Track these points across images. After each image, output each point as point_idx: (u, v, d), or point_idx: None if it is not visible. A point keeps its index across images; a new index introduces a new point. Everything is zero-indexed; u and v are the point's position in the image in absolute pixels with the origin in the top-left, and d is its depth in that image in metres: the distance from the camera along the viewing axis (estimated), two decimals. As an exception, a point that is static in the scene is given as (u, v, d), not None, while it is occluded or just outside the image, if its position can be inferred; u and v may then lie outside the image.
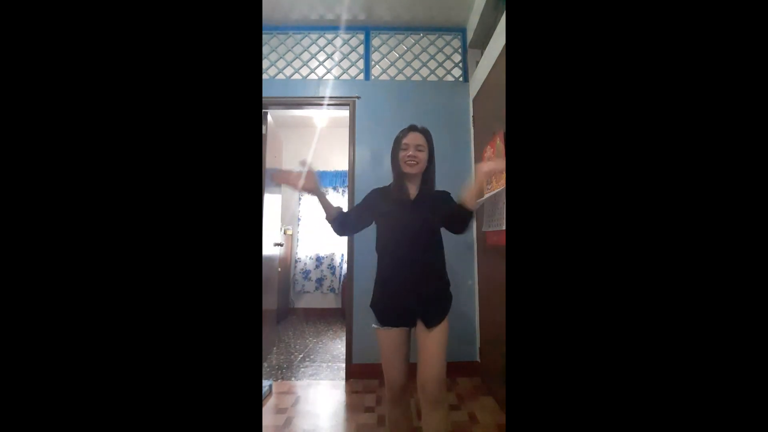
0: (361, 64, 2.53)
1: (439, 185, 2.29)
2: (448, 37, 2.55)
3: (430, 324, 1.12)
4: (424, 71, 2.54)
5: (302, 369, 2.43)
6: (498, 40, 1.81)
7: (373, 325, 1.19)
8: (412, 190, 1.21)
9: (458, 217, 1.09)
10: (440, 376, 1.10)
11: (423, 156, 1.18)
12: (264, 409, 1.82)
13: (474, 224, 2.29)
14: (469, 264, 2.32)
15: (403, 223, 1.16)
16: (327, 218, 1.19)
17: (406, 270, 1.14)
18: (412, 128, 1.21)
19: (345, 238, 2.37)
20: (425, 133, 1.21)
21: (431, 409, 1.10)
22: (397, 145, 1.21)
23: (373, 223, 1.23)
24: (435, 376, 1.09)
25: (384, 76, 2.52)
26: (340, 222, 1.19)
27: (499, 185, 1.73)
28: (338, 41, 2.53)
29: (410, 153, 1.16)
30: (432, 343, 1.11)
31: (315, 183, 1.12)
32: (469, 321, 2.28)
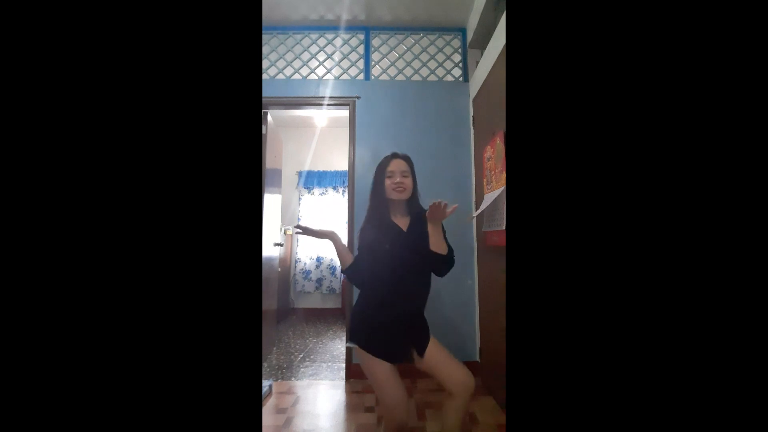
0: (361, 64, 2.53)
1: (439, 186, 2.32)
2: (448, 37, 2.55)
3: (421, 352, 1.15)
4: (424, 71, 2.54)
5: (302, 369, 2.43)
6: (498, 40, 1.81)
7: (354, 347, 1.17)
8: (402, 219, 1.21)
9: (435, 263, 1.16)
10: (467, 372, 1.12)
11: (409, 182, 1.19)
12: (264, 409, 1.82)
13: (474, 224, 2.30)
14: (469, 264, 2.32)
15: (396, 257, 1.14)
16: (342, 269, 1.26)
17: (400, 304, 1.13)
18: (395, 155, 1.22)
19: (344, 239, 2.37)
20: (407, 159, 1.22)
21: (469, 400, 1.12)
22: (381, 173, 1.21)
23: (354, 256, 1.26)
24: (464, 374, 1.11)
25: (384, 76, 2.52)
26: (350, 276, 1.25)
27: (499, 185, 1.73)
28: (338, 41, 2.52)
29: (397, 180, 1.17)
30: (437, 355, 1.14)
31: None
32: (469, 321, 2.28)
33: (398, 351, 1.15)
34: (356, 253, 1.27)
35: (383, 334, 1.13)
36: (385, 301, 1.14)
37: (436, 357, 1.14)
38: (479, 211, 1.90)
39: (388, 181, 1.18)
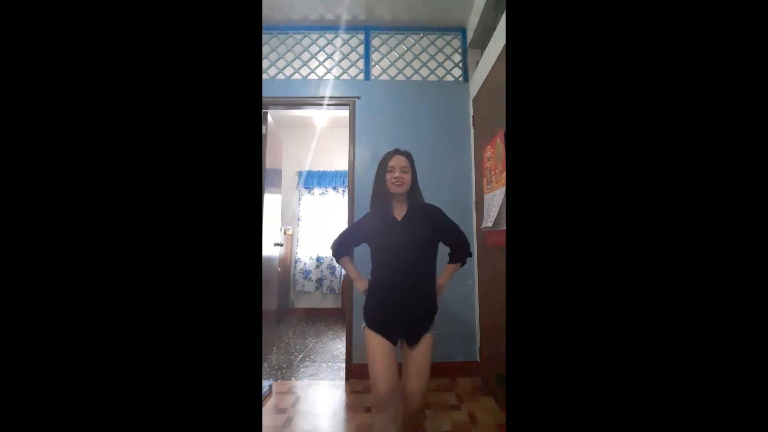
0: (361, 64, 2.53)
1: (439, 185, 2.32)
2: (448, 37, 2.55)
3: (411, 343, 1.22)
4: (424, 71, 2.53)
5: (302, 369, 2.43)
6: (498, 40, 1.81)
7: (363, 326, 1.27)
8: (400, 210, 1.30)
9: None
10: (422, 391, 1.19)
11: (408, 177, 1.28)
12: (264, 409, 1.82)
13: (474, 224, 2.30)
14: (469, 264, 2.31)
15: (391, 244, 1.24)
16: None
17: (396, 292, 1.21)
18: (397, 152, 1.31)
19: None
20: (408, 156, 1.31)
21: (410, 417, 1.21)
22: (382, 168, 1.30)
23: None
24: (418, 391, 1.18)
25: (384, 76, 2.52)
26: (335, 248, 1.39)
27: (499, 185, 1.73)
28: (338, 41, 2.52)
29: (396, 174, 1.25)
30: (416, 357, 1.20)
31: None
32: (469, 321, 2.28)
33: (391, 329, 1.22)
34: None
35: (379, 310, 1.24)
36: (382, 283, 1.25)
37: (416, 357, 1.20)
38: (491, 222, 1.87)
39: (388, 176, 1.27)
